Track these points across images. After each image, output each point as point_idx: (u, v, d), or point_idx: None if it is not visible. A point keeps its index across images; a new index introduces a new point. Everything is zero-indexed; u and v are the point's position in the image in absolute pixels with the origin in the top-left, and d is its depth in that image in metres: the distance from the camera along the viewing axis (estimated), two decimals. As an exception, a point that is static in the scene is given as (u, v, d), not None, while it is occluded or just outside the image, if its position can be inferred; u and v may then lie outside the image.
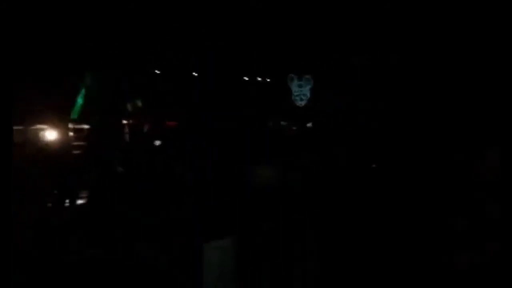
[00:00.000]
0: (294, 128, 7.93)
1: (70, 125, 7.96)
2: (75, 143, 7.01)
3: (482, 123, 4.73)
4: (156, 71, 9.48)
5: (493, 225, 3.44)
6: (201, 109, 8.04)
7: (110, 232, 4.31)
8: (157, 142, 5.84)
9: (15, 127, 6.61)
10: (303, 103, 8.70)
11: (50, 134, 6.69)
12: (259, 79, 10.45)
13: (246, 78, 10.63)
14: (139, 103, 9.81)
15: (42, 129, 6.77)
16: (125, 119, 9.16)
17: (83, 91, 8.90)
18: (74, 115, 8.86)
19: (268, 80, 10.14)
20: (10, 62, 5.53)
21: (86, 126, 8.16)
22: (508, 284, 3.31)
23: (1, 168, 3.63)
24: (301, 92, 8.73)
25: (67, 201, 5.14)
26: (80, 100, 8.92)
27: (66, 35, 7.76)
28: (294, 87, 8.82)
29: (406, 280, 3.57)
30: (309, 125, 7.66)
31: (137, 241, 3.97)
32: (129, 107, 9.58)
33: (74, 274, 3.76)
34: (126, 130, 8.79)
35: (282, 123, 8.75)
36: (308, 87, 8.74)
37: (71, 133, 7.51)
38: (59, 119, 7.15)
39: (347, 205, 3.99)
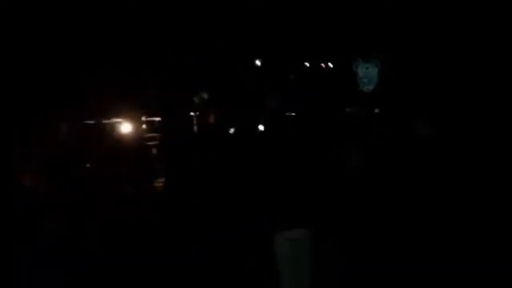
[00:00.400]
0: (362, 115, 7.72)
1: (143, 118, 8.36)
2: (148, 135, 7.30)
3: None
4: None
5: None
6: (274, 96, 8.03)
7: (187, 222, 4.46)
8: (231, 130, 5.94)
9: (89, 122, 7.07)
10: (370, 87, 8.42)
11: (125, 127, 7.02)
12: (322, 65, 10.28)
13: (307, 64, 10.48)
14: (206, 96, 10.03)
15: (118, 123, 7.14)
16: (193, 112, 9.44)
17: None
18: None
19: (332, 65, 9.93)
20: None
21: (157, 119, 8.54)
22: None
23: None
24: (368, 75, 8.45)
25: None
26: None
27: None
28: (361, 71, 8.55)
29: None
30: (376, 111, 7.42)
31: (210, 230, 4.07)
32: (196, 99, 9.83)
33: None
34: (195, 121, 9.05)
35: (348, 110, 8.54)
36: (376, 70, 8.43)
37: (143, 126, 7.88)
38: (133, 112, 7.50)
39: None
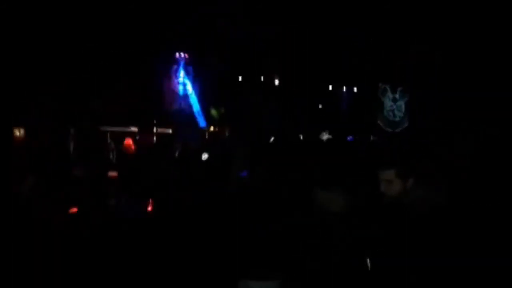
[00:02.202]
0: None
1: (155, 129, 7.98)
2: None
3: None
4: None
5: None
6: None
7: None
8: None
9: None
10: (397, 119, 7.93)
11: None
12: (345, 89, 9.86)
13: (330, 88, 10.08)
14: (219, 112, 9.72)
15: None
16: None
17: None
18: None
19: (356, 90, 9.52)
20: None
21: (169, 131, 8.15)
22: None
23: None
24: (395, 106, 7.98)
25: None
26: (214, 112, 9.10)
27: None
28: (387, 100, 8.07)
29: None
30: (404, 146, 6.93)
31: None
32: (212, 112, 9.52)
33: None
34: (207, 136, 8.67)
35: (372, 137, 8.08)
36: (404, 100, 7.97)
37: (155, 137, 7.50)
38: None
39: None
